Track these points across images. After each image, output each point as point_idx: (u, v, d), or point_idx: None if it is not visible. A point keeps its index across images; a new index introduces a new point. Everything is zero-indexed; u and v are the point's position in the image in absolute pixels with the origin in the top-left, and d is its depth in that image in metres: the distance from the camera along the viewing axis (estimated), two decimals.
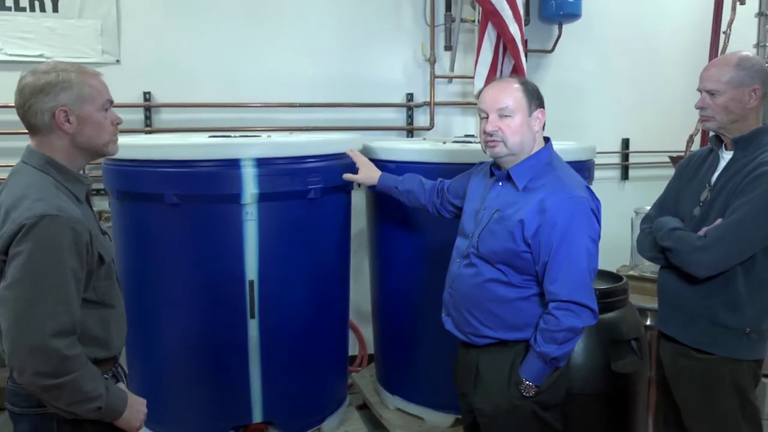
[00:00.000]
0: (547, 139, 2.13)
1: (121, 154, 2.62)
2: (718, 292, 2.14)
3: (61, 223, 1.58)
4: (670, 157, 4.14)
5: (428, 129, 4.27)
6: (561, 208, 1.95)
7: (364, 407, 3.48)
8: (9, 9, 3.60)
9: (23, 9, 3.62)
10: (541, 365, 2.01)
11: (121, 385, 1.84)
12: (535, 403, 2.07)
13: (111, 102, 1.79)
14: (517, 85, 2.05)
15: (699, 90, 2.21)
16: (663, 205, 2.39)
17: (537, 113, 2.05)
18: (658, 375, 2.46)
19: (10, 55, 3.61)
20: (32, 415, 1.71)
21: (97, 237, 1.71)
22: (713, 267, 2.10)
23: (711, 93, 2.15)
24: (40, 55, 3.63)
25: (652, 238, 2.30)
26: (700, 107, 2.20)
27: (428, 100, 4.25)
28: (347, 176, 2.81)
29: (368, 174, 2.75)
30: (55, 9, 3.67)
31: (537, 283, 2.05)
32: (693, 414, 2.26)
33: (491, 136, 2.03)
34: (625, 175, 4.81)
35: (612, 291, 2.68)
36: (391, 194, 2.68)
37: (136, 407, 1.79)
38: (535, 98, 2.05)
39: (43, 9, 3.65)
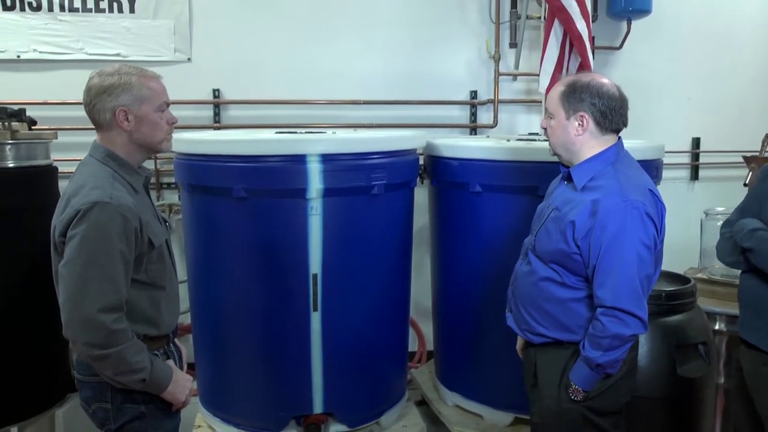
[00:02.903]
0: (618, 138, 2.07)
1: (191, 149, 2.75)
2: None
3: (112, 210, 1.74)
4: (744, 157, 3.99)
5: (492, 126, 4.25)
6: (612, 212, 1.90)
7: (422, 403, 3.49)
8: (90, 11, 3.79)
9: (102, 10, 3.80)
10: (588, 370, 1.97)
11: (171, 363, 1.96)
12: (586, 408, 2.02)
13: (168, 103, 1.94)
14: (561, 87, 2.03)
15: None
16: (745, 210, 2.29)
17: (576, 117, 1.99)
18: (737, 383, 2.36)
19: (91, 54, 3.79)
20: (92, 383, 1.89)
21: (148, 224, 1.86)
22: None
23: None
24: (117, 54, 3.80)
25: (732, 242, 2.21)
26: None
27: (492, 97, 4.23)
28: None
29: None
30: (132, 10, 3.83)
31: (590, 285, 2.00)
32: None
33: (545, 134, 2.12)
34: (695, 176, 4.67)
35: (678, 293, 2.62)
36: None
37: (182, 383, 1.94)
38: (576, 102, 1.98)
39: (120, 10, 3.82)
